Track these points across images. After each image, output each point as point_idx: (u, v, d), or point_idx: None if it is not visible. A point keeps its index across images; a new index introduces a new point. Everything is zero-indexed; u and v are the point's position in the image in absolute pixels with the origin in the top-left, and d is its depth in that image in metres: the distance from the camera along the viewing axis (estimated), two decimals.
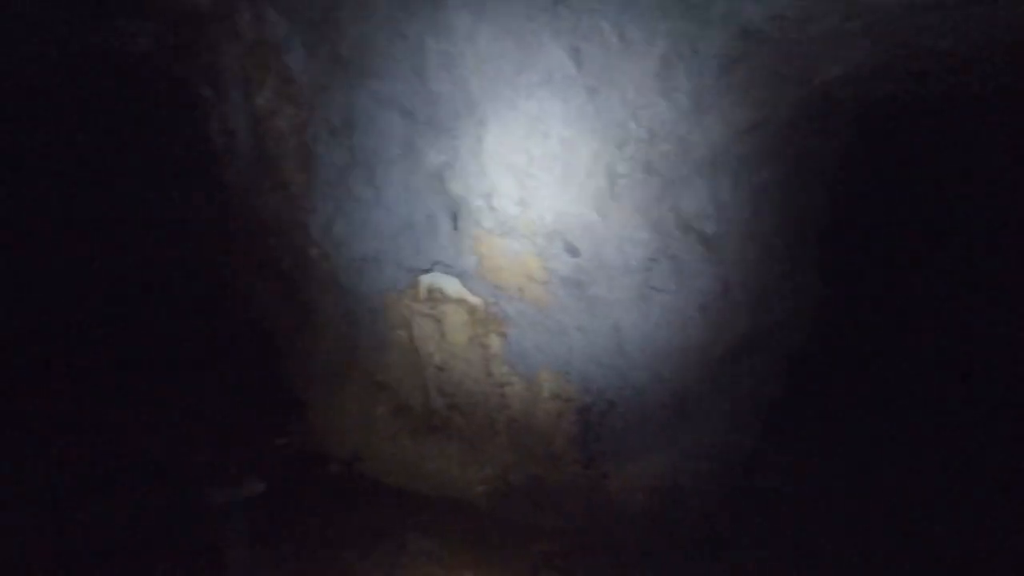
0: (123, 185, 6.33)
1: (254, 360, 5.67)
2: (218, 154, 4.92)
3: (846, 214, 4.15)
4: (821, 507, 3.63)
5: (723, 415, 3.59)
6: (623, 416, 3.42)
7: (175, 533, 3.28)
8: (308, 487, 3.90)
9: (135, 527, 3.31)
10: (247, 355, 5.78)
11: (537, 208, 3.27)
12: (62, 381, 5.22)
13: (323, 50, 3.58)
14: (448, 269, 3.57)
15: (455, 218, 3.51)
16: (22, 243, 6.37)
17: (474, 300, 3.55)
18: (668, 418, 3.45)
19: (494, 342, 3.57)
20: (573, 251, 3.25)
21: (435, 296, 3.61)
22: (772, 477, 3.87)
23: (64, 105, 5.52)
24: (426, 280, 3.61)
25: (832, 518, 3.52)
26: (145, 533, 3.27)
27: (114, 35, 4.35)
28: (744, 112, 3.07)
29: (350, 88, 3.58)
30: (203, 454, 4.10)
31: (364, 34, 3.36)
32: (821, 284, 4.13)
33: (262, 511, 3.57)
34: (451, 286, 3.56)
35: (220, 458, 4.05)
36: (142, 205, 6.42)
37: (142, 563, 3.03)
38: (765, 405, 3.89)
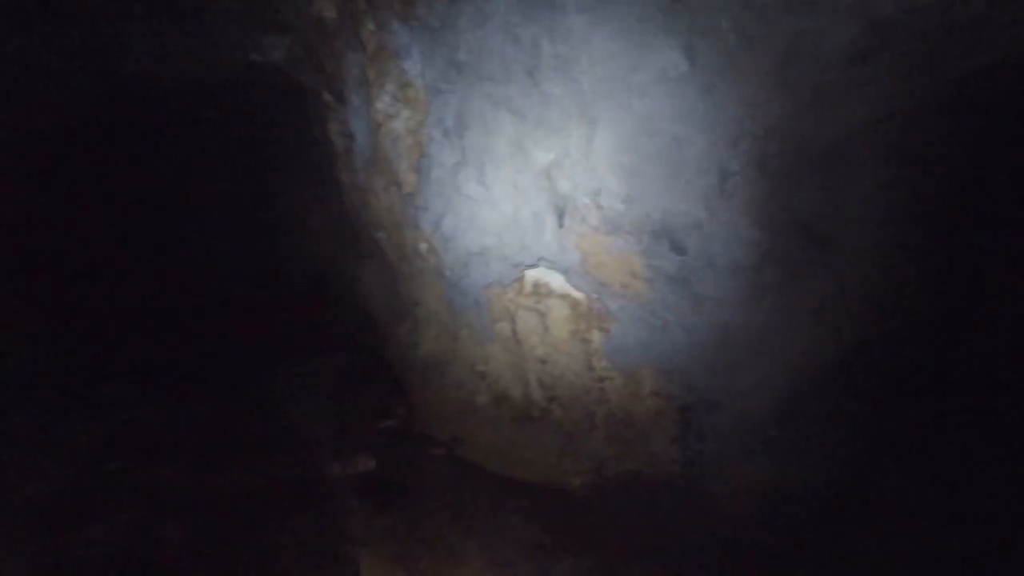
0: (252, 183, 6.97)
1: (363, 346, 6.08)
2: (337, 155, 5.33)
3: (977, 216, 3.86)
4: (933, 518, 3.41)
5: (833, 422, 3.47)
6: (727, 417, 3.39)
7: (301, 501, 3.61)
8: (413, 466, 4.15)
9: (268, 495, 3.67)
10: (357, 342, 6.20)
11: (644, 206, 3.30)
12: (206, 364, 5.84)
13: (440, 55, 3.80)
14: (553, 265, 3.68)
15: (561, 215, 3.61)
16: (163, 231, 7.18)
17: (577, 295, 3.63)
18: (774, 422, 3.38)
19: (596, 337, 3.64)
20: (680, 249, 3.26)
21: (540, 291, 3.73)
22: (883, 487, 3.68)
23: (214, 110, 6.17)
24: (531, 275, 3.74)
25: (945, 529, 3.31)
26: (276, 501, 3.62)
27: (255, 48, 4.82)
28: (868, 107, 2.96)
29: (464, 91, 3.77)
30: (323, 432, 4.45)
31: (480, 39, 3.53)
32: (947, 290, 3.87)
33: (374, 485, 3.87)
34: (556, 281, 3.66)
35: (336, 436, 4.39)
36: (267, 201, 7.04)
37: (273, 525, 3.37)
38: (879, 413, 3.71)
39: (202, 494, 3.62)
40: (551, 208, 3.67)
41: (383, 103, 4.25)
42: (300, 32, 4.79)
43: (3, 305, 5.46)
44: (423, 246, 4.49)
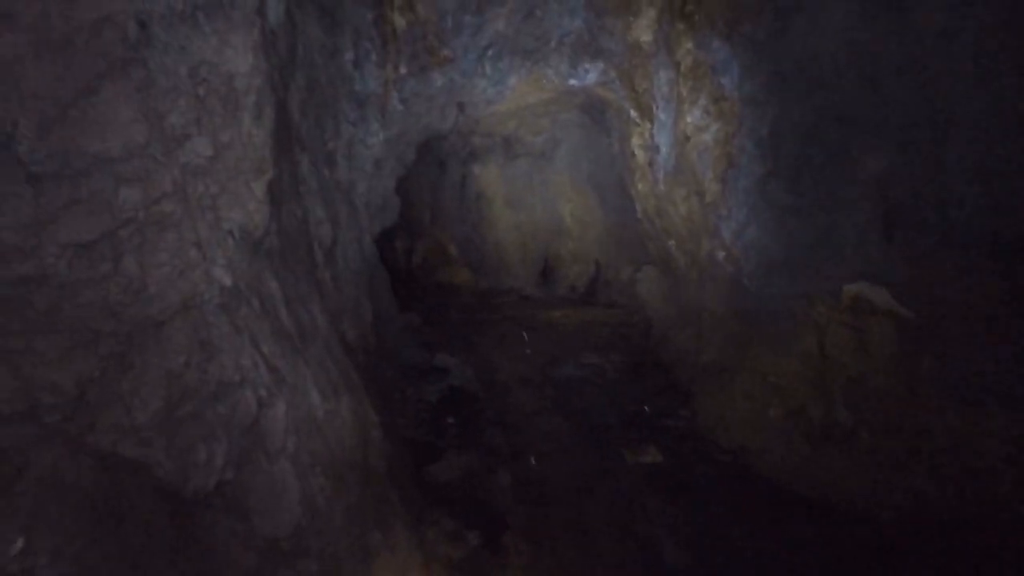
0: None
1: (639, 347, 6.41)
2: (637, 167, 5.72)
3: None
4: None
5: None
6: None
7: (603, 484, 4.01)
8: (698, 468, 4.26)
9: (572, 478, 4.15)
10: (633, 342, 6.56)
11: (1006, 218, 2.91)
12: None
13: (763, 67, 3.86)
14: (876, 280, 3.46)
15: (891, 227, 3.38)
16: None
17: (906, 314, 3.35)
18: None
19: (926, 362, 3.31)
20: None
21: (859, 307, 3.54)
22: None
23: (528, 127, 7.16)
24: (851, 289, 3.56)
25: None
26: (583, 483, 4.08)
27: (574, 74, 5.47)
28: None
29: (784, 100, 3.77)
30: (609, 418, 4.86)
31: (811, 48, 3.50)
32: None
33: (661, 478, 4.10)
34: (879, 298, 3.44)
35: (628, 428, 4.75)
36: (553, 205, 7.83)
37: (579, 508, 3.81)
38: None
39: (519, 457, 4.31)
40: (878, 219, 3.45)
41: (693, 117, 4.47)
42: (614, 56, 5.30)
43: None
44: (721, 254, 4.58)
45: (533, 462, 4.22)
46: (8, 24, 1.22)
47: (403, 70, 5.07)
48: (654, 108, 4.98)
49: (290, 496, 2.39)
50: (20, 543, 1.55)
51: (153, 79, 1.46)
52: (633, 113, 5.45)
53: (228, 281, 1.76)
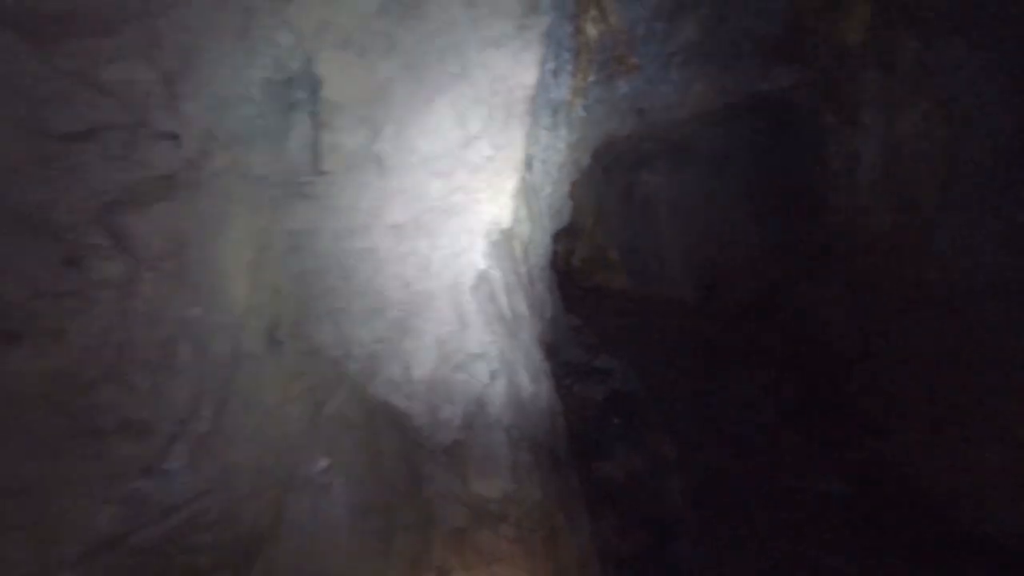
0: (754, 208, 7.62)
1: (811, 371, 5.97)
2: (831, 176, 5.37)
3: None
4: None
5: None
6: None
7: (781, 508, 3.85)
8: (893, 505, 3.92)
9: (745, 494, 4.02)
10: (799, 363, 6.13)
11: None
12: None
13: (1005, 67, 3.46)
14: None
15: None
16: None
17: None
18: None
19: None
20: None
21: None
22: None
23: (724, 141, 7.06)
24: None
25: None
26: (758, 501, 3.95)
27: (766, 78, 5.29)
28: None
29: None
30: (784, 439, 4.63)
31: None
32: None
33: (844, 508, 3.83)
34: None
35: (799, 448, 4.50)
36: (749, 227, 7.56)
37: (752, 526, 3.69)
38: None
39: (689, 465, 4.27)
40: None
41: (909, 122, 4.11)
42: (813, 58, 5.02)
43: None
44: (932, 274, 4.16)
45: (704, 472, 4.16)
46: (387, 52, 1.54)
47: (591, 78, 5.26)
48: (857, 113, 4.65)
49: (502, 464, 2.63)
50: (324, 462, 1.91)
51: (464, 91, 1.74)
52: (830, 119, 5.13)
53: (482, 266, 2.01)
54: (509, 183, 1.95)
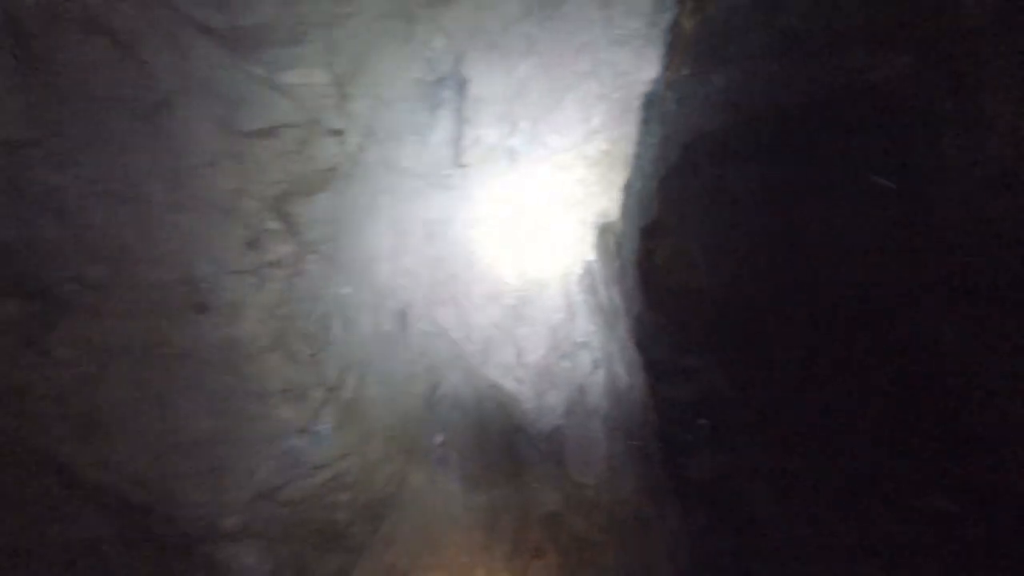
0: (829, 197, 7.27)
1: (929, 383, 5.62)
2: (948, 172, 5.04)
3: None
4: None
5: None
6: None
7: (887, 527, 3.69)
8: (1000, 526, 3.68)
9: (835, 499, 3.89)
10: (902, 375, 5.78)
11: None
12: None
13: None
14: None
15: None
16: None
17: None
18: None
19: None
20: None
21: None
22: None
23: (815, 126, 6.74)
24: None
25: None
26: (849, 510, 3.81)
27: (873, 67, 5.03)
28: None
29: None
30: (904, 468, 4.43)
31: None
32: None
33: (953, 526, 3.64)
34: None
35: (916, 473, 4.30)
36: (839, 219, 7.21)
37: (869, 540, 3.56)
38: None
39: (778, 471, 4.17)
40: None
41: None
42: (928, 41, 4.73)
43: None
44: None
45: (794, 479, 4.06)
46: (527, 52, 1.65)
47: (685, 71, 5.19)
48: (979, 102, 4.35)
49: (598, 452, 2.70)
50: (441, 437, 2.06)
51: (591, 88, 1.83)
52: (947, 106, 4.82)
53: (592, 257, 2.08)
54: (620, 177, 2.01)
